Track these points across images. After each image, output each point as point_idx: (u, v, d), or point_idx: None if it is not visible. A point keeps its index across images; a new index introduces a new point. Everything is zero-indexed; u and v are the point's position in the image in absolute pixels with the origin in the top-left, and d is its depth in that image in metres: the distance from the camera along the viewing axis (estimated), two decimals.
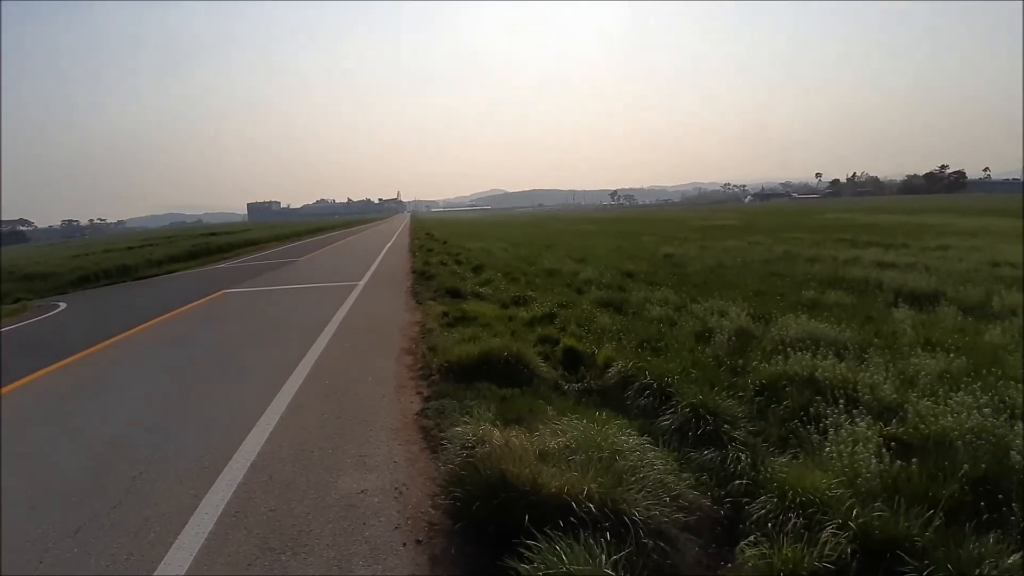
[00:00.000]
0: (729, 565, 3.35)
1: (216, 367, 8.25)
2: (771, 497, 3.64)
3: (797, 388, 5.33)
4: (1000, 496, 3.50)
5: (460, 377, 6.56)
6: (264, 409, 6.20)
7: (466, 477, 3.92)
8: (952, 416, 4.39)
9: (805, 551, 3.06)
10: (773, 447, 4.50)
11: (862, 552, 3.09)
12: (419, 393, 6.47)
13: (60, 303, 17.58)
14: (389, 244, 36.87)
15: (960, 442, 4.10)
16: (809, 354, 6.05)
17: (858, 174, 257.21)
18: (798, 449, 4.38)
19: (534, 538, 3.12)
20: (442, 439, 5.00)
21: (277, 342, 9.53)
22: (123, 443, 5.61)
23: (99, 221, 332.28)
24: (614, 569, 2.90)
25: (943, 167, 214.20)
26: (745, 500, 3.80)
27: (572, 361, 7.08)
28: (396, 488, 4.37)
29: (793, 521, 3.38)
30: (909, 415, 4.60)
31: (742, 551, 3.30)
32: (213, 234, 54.78)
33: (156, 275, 24.43)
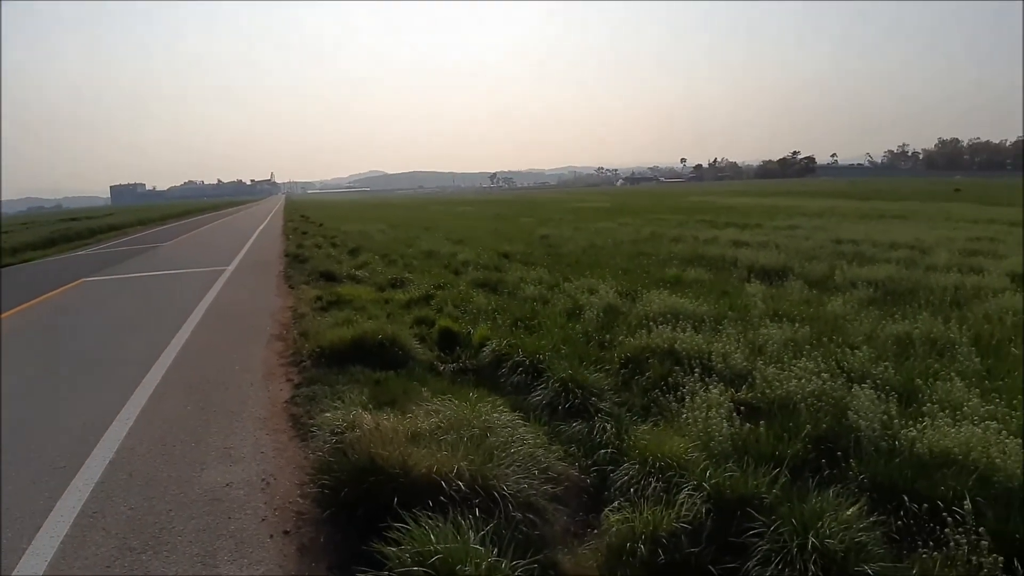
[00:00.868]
0: (595, 531, 3.48)
1: (72, 360, 7.70)
2: (634, 464, 3.82)
3: (659, 359, 5.62)
4: (839, 453, 3.84)
5: (333, 362, 6.43)
6: (124, 404, 5.85)
7: (335, 463, 3.84)
8: (796, 381, 4.75)
9: (664, 513, 3.21)
10: (637, 416, 4.72)
11: (715, 510, 3.28)
12: (289, 380, 6.32)
13: None
14: (261, 227, 35.75)
15: (803, 404, 4.48)
16: (670, 327, 6.37)
17: (719, 160, 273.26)
18: (659, 417, 4.62)
19: (403, 520, 3.09)
20: (312, 426, 4.88)
21: (138, 332, 9.04)
22: None
23: None
24: (482, 544, 2.92)
25: (795, 153, 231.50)
26: (610, 468, 3.97)
27: (448, 342, 7.09)
28: (263, 479, 4.25)
29: (653, 485, 3.56)
30: (757, 381, 4.96)
31: (607, 517, 3.43)
32: (74, 219, 51.01)
33: (11, 264, 21.81)
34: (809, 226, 19.98)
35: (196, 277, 14.70)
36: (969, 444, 3.70)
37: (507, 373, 5.82)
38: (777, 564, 2.82)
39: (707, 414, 4.26)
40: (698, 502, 3.29)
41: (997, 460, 3.56)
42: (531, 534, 3.28)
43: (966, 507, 3.06)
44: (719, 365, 5.38)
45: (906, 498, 3.25)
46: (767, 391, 4.73)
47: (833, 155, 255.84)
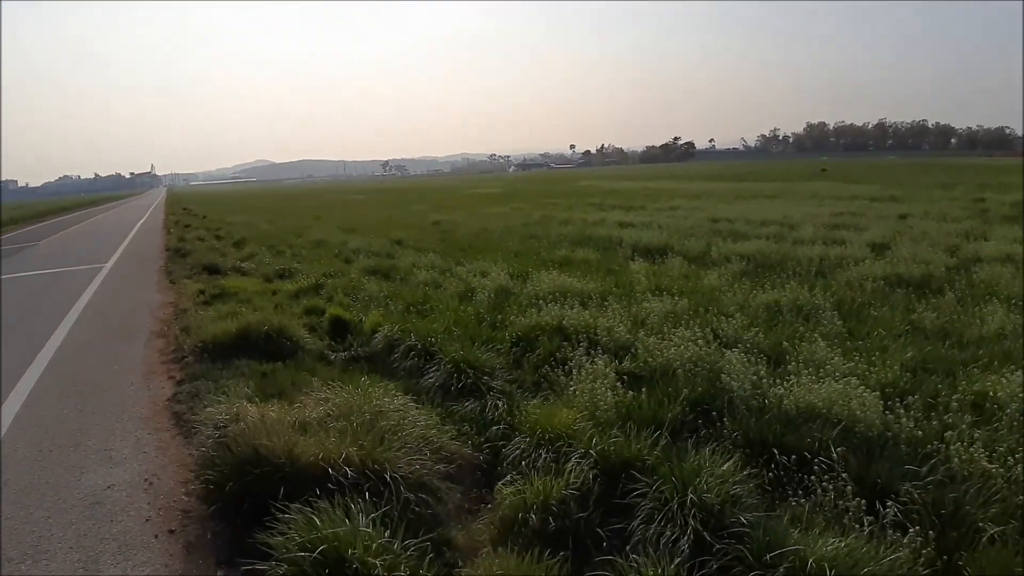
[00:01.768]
0: (488, 506, 3.53)
1: None
2: (525, 438, 3.90)
3: (548, 336, 5.76)
4: (714, 414, 4.07)
5: (217, 357, 6.20)
6: None
7: (218, 458, 3.69)
8: (674, 349, 5.01)
9: (553, 482, 3.30)
10: (528, 392, 4.82)
11: (602, 475, 3.41)
12: (171, 377, 6.14)
13: None
14: (141, 221, 34.06)
15: (681, 371, 4.73)
16: (558, 305, 6.55)
17: (606, 146, 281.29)
18: (549, 391, 4.74)
19: (288, 510, 3.01)
20: (195, 423, 4.70)
21: (10, 336, 8.35)
22: None
23: None
24: (373, 526, 2.89)
25: (676, 139, 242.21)
26: (502, 444, 4.03)
27: (339, 330, 6.94)
28: (146, 479, 4.14)
29: (544, 457, 3.65)
30: (639, 351, 5.18)
31: (499, 491, 3.49)
32: None
33: None
34: (688, 207, 21.00)
35: (72, 276, 13.93)
36: (832, 399, 4.00)
37: (400, 358, 5.77)
38: (660, 521, 2.95)
39: (593, 385, 4.41)
40: (585, 468, 3.39)
41: (858, 412, 3.86)
42: (424, 513, 3.28)
43: (832, 457, 3.33)
44: (604, 339, 5.58)
45: (776, 451, 3.49)
46: (648, 360, 4.96)
47: (711, 140, 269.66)
